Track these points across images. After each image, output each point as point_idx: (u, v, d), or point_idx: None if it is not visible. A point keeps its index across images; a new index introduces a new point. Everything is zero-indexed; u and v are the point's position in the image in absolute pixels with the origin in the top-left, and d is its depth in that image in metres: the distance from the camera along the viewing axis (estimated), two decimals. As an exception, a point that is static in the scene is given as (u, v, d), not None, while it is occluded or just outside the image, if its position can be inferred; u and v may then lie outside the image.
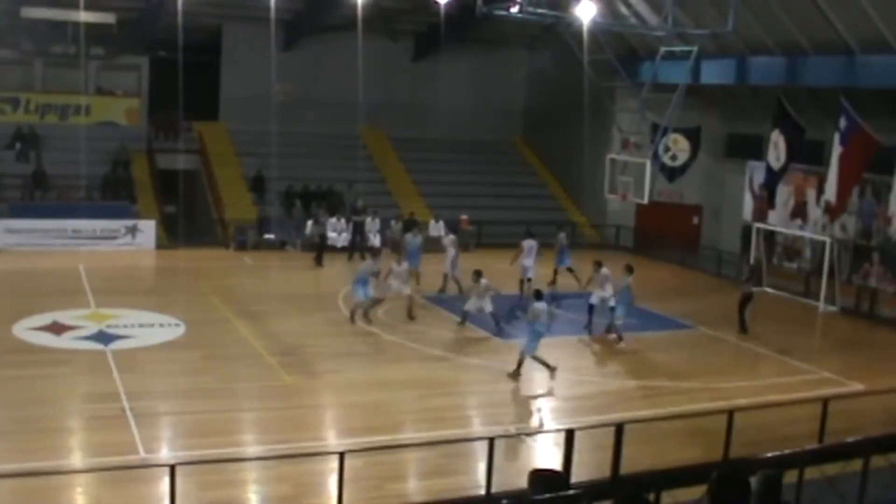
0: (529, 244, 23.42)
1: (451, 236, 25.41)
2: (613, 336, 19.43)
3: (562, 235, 25.40)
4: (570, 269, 24.35)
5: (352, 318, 19.99)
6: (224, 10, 31.47)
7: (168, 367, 16.68)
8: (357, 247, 28.68)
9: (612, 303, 19.88)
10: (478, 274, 19.65)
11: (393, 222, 30.54)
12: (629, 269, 19.72)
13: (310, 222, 29.53)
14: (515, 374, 16.46)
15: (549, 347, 19.08)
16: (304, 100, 32.90)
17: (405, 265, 21.67)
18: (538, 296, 17.21)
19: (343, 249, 28.81)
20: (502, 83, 36.48)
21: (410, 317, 20.51)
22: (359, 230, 29.25)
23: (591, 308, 20.14)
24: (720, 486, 5.04)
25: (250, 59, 31.83)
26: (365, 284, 20.16)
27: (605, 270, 20.36)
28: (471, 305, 19.67)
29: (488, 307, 19.51)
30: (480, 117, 35.83)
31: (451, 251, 23.72)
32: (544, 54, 35.71)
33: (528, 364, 16.61)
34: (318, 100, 33.19)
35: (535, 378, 17.21)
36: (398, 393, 15.59)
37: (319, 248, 27.55)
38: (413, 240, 24.40)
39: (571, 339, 19.45)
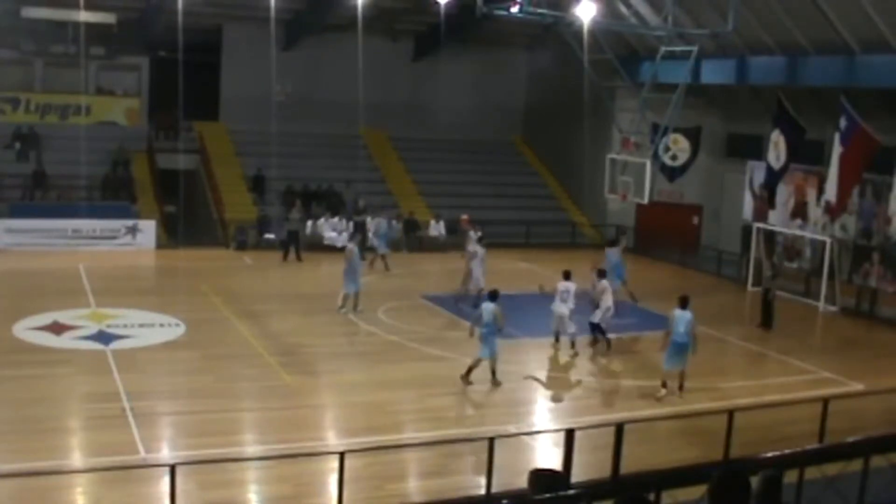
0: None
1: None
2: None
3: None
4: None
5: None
6: (224, 10, 31.47)
7: (168, 366, 16.69)
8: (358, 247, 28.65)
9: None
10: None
11: (394, 222, 30.58)
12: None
13: (309, 222, 29.54)
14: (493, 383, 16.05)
15: (549, 347, 19.12)
16: (304, 100, 32.90)
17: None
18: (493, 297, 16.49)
19: (343, 249, 28.72)
20: (502, 83, 36.49)
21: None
22: (359, 230, 29.20)
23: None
24: (720, 486, 5.04)
25: (250, 59, 31.84)
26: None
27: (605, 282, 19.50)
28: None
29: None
30: (480, 117, 35.82)
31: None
32: (544, 54, 35.67)
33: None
34: (318, 100, 33.19)
35: (538, 376, 17.24)
36: (398, 393, 15.59)
37: (287, 245, 27.63)
38: (356, 250, 22.34)
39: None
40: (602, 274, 19.29)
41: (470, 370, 15.97)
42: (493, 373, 16.05)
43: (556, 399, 16.26)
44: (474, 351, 17.95)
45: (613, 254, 22.92)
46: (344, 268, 21.24)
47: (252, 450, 12.97)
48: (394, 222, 30.47)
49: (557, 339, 18.70)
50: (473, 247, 22.61)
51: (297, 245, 27.69)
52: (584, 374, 17.44)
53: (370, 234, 27.81)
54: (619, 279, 22.26)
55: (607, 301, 18.68)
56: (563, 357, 18.20)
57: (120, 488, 11.13)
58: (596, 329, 18.77)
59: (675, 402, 15.57)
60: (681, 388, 15.92)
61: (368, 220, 29.49)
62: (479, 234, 23.84)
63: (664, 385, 15.89)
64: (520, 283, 23.87)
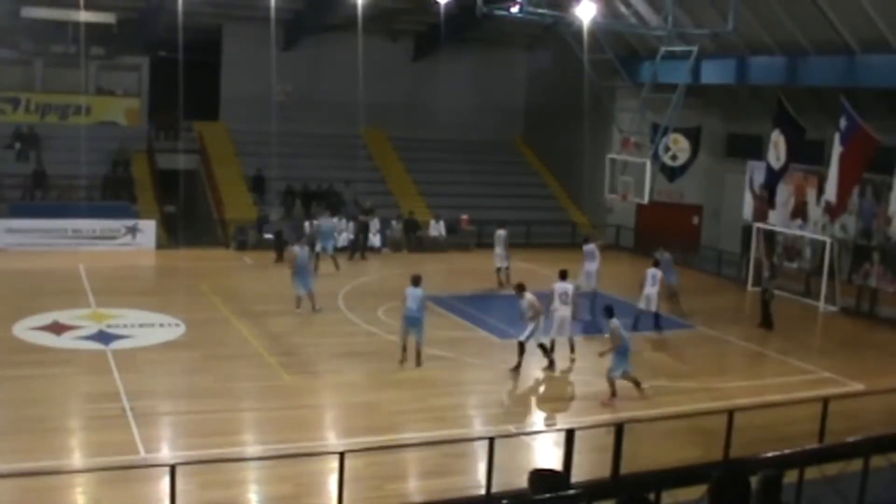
0: (653, 272, 20.70)
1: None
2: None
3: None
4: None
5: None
6: (224, 10, 31.47)
7: (168, 367, 16.69)
8: (359, 247, 28.65)
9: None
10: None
11: (394, 222, 30.59)
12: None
13: (306, 223, 29.48)
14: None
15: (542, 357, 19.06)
16: (304, 100, 32.92)
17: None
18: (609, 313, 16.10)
19: (343, 249, 28.71)
20: (502, 83, 36.49)
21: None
22: (363, 230, 29.17)
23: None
24: (720, 486, 5.04)
25: (250, 59, 31.85)
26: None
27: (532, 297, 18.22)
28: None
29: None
30: (480, 117, 35.83)
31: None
32: (544, 54, 35.71)
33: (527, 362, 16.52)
34: (318, 100, 33.20)
35: (538, 375, 17.24)
36: (398, 393, 15.59)
37: (277, 246, 27.23)
38: (301, 252, 21.72)
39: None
40: (521, 288, 17.53)
41: (417, 354, 16.95)
42: (418, 354, 16.99)
43: (556, 399, 16.25)
44: (474, 352, 18.03)
45: (666, 261, 22.79)
46: (291, 270, 21.19)
47: (252, 450, 12.97)
48: (384, 222, 30.14)
49: (551, 351, 17.75)
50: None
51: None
52: (584, 374, 17.40)
53: (312, 234, 26.25)
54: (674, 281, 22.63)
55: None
56: (563, 358, 18.15)
57: (120, 488, 11.13)
58: (545, 348, 17.51)
59: (644, 404, 15.32)
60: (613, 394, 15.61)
61: (317, 221, 27.72)
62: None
63: (638, 385, 15.68)
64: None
